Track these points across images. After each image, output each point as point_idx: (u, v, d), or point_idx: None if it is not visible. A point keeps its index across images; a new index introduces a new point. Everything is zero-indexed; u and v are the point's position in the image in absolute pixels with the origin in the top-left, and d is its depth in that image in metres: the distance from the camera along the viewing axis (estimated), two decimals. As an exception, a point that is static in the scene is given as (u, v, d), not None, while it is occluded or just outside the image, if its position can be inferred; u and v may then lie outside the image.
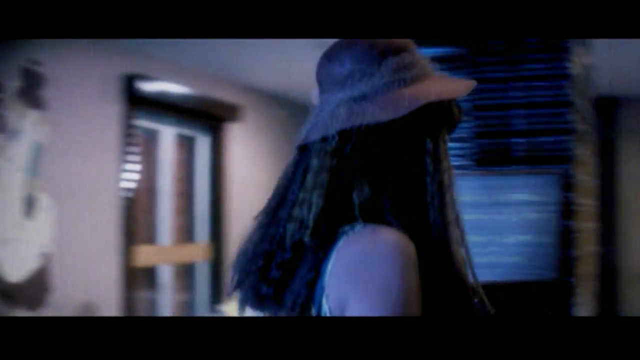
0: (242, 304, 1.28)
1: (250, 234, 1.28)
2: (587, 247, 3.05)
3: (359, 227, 1.18)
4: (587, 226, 3.05)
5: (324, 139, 1.20)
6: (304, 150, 1.25)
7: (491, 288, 1.25)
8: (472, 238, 2.73)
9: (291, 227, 1.18)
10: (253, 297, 1.25)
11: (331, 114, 1.21)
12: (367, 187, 1.19)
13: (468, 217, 2.77)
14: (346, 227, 1.18)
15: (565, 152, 2.72)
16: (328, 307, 1.16)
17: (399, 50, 1.23)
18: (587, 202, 3.02)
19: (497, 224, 2.75)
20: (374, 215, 1.19)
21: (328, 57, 1.27)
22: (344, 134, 1.19)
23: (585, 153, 2.97)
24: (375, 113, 1.18)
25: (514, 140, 2.78)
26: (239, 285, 1.28)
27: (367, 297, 1.11)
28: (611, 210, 7.50)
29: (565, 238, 2.64)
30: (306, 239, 1.17)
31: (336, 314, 1.15)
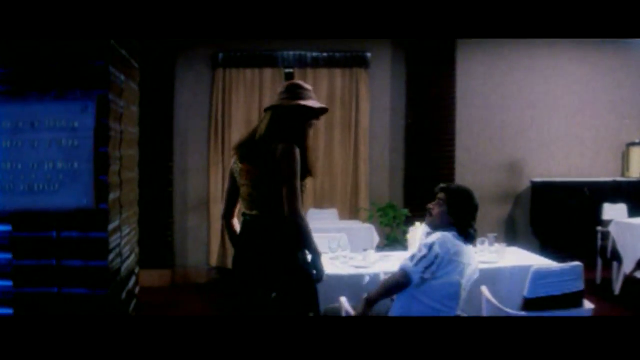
0: None
1: None
2: (128, 174, 3.18)
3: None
4: (128, 153, 3.17)
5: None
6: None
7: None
8: (9, 165, 2.65)
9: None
10: None
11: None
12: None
13: (5, 144, 2.68)
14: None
15: (101, 77, 2.72)
16: None
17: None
18: (128, 129, 3.13)
19: (34, 151, 2.69)
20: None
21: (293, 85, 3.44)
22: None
23: (126, 80, 3.04)
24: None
25: (49, 65, 2.70)
26: None
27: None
28: (170, 139, 7.89)
29: (99, 164, 2.69)
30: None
31: None
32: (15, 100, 2.67)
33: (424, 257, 3.57)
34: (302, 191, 3.29)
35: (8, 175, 2.68)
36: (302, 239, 3.26)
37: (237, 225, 3.51)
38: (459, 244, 3.69)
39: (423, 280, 3.57)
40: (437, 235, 3.67)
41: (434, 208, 3.79)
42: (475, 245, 4.08)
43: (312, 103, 3.37)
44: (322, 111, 3.46)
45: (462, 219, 3.75)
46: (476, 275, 3.85)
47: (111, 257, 2.80)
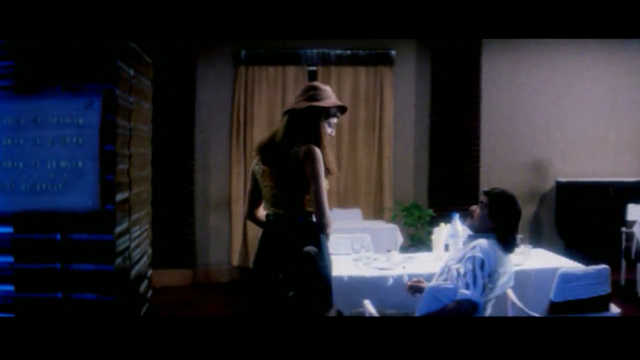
0: None
1: None
2: (139, 173, 3.00)
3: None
4: (138, 151, 2.99)
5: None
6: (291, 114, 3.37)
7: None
8: (10, 163, 2.50)
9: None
10: None
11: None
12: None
13: (6, 141, 2.52)
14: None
15: (108, 71, 2.53)
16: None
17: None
18: (139, 127, 2.95)
19: (36, 148, 2.52)
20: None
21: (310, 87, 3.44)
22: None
23: (136, 75, 2.87)
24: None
25: (53, 58, 2.52)
26: None
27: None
28: (191, 138, 7.73)
29: (106, 163, 2.51)
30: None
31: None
32: (16, 96, 2.51)
33: (482, 280, 3.38)
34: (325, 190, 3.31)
35: (9, 174, 2.51)
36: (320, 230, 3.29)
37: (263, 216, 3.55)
38: (500, 253, 3.51)
39: (485, 302, 3.43)
40: (482, 248, 3.48)
41: (475, 210, 3.64)
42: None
43: (326, 102, 3.37)
44: (340, 109, 3.46)
45: (502, 224, 3.57)
46: (511, 283, 3.68)
47: (118, 260, 2.62)
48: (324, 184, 3.27)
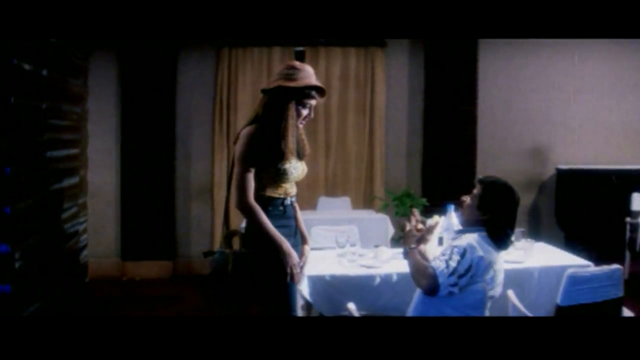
0: None
1: None
2: (65, 164, 2.46)
3: None
4: (61, 138, 2.44)
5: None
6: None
7: None
8: None
9: None
10: None
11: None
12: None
13: None
14: None
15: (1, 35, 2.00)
16: None
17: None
18: (65, 108, 2.39)
19: None
20: None
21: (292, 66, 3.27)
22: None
23: (61, 47, 2.32)
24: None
25: None
26: None
27: None
28: (172, 123, 7.28)
29: (2, 153, 1.97)
30: None
31: None
32: None
33: (455, 265, 3.00)
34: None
35: None
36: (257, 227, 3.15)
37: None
38: (490, 250, 3.09)
39: (449, 294, 3.02)
40: (467, 241, 3.10)
41: (466, 201, 3.26)
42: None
43: (297, 83, 3.21)
44: (318, 91, 3.28)
45: (493, 217, 3.15)
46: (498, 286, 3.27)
47: (22, 279, 2.04)
48: (243, 171, 3.11)
